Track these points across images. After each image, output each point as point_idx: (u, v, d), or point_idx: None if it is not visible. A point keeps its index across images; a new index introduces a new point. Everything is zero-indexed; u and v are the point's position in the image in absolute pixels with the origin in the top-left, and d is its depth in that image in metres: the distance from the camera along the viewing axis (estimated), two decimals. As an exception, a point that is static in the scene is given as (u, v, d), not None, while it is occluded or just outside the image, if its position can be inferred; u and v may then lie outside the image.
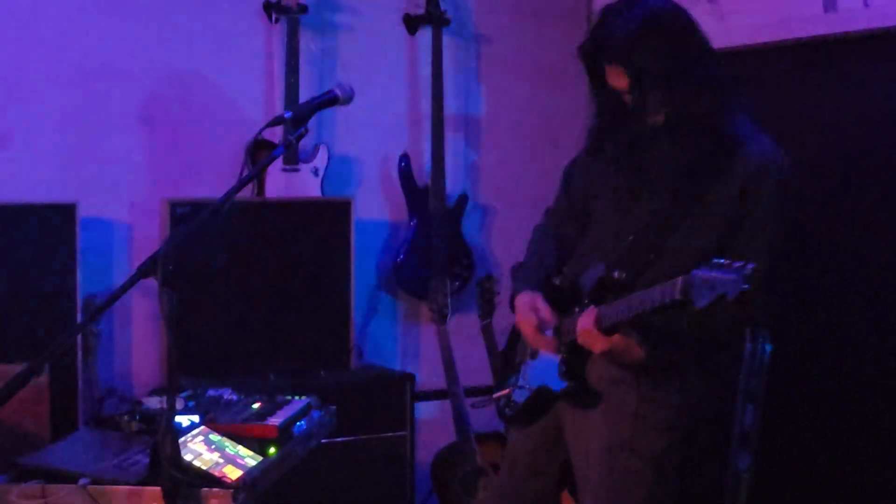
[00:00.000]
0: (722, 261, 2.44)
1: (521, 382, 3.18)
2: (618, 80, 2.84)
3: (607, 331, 2.78)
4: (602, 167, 3.05)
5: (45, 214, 4.22)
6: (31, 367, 2.35)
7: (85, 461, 2.80)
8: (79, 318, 4.24)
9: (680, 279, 2.50)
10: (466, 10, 5.33)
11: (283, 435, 3.02)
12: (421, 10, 5.07)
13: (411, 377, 4.67)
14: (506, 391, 3.22)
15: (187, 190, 4.65)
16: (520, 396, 3.16)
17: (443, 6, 5.07)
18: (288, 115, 2.74)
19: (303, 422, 3.17)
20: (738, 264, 2.40)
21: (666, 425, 2.96)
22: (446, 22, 5.10)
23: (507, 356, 3.33)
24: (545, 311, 2.99)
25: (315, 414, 3.29)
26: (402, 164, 5.03)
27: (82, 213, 4.27)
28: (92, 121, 4.58)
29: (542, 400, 3.10)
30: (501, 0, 5.37)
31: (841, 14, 4.15)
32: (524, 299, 3.05)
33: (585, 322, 2.81)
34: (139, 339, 4.66)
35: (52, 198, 4.30)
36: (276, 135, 4.68)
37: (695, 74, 2.80)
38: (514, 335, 3.30)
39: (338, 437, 4.17)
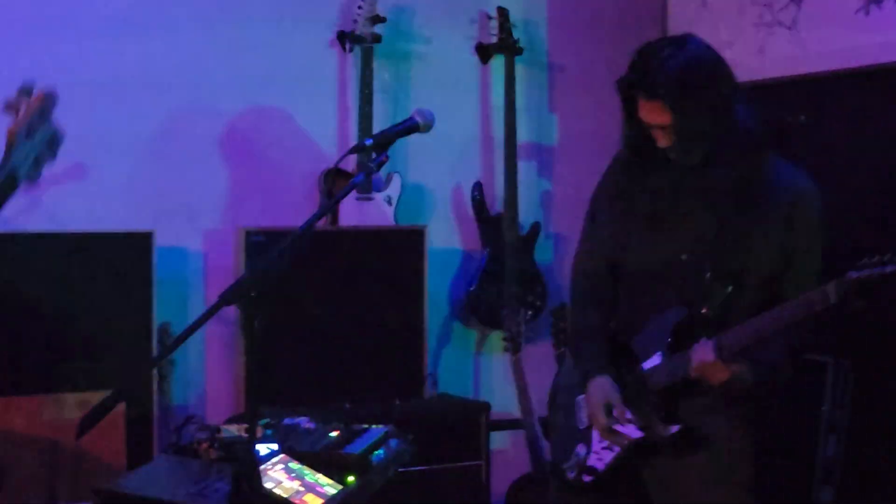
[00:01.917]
0: (866, 259, 2.58)
1: (595, 447, 3.11)
2: (656, 116, 2.85)
3: (727, 360, 2.82)
4: (629, 204, 3.07)
5: (121, 243, 4.26)
6: (116, 395, 2.35)
7: (165, 488, 2.79)
8: (154, 346, 4.26)
9: (832, 284, 2.61)
10: (539, 39, 5.32)
11: (362, 463, 3.00)
12: (494, 39, 5.08)
13: (486, 406, 4.64)
14: (574, 461, 3.16)
15: (262, 218, 4.67)
16: (603, 458, 3.09)
17: (515, 35, 5.08)
18: (369, 142, 2.73)
19: (381, 450, 3.14)
20: (885, 258, 2.55)
21: (750, 450, 3.02)
22: (519, 51, 5.10)
23: (554, 421, 3.31)
24: (619, 408, 2.99)
25: (393, 443, 3.26)
26: (475, 192, 5.02)
27: (158, 241, 4.31)
28: (168, 150, 4.62)
29: (633, 456, 3.04)
30: (574, 29, 5.36)
31: (922, 39, 4.09)
32: (596, 389, 3.05)
33: (705, 355, 2.83)
34: (213, 367, 4.68)
35: (129, 227, 4.34)
36: (349, 163, 4.71)
37: (733, 120, 2.87)
38: (563, 405, 3.28)
39: (414, 466, 4.15)
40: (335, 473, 2.90)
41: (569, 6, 5.36)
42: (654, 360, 2.99)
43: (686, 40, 2.89)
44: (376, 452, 3.13)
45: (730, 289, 2.90)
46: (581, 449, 3.15)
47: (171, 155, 4.63)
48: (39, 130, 2.33)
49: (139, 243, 4.26)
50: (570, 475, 3.16)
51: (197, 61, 4.67)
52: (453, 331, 5.16)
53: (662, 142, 2.90)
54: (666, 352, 2.97)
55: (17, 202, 4.27)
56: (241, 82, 4.74)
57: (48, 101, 2.36)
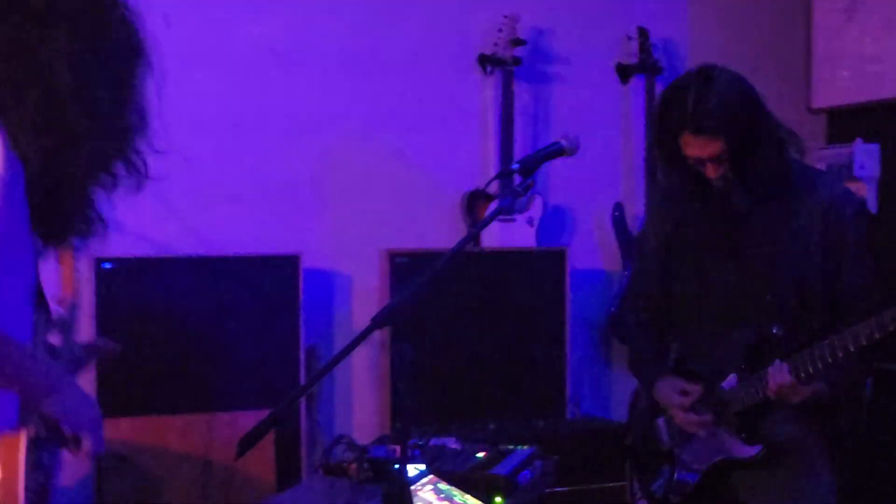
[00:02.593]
0: None
1: (682, 466, 3.17)
2: (706, 148, 2.89)
3: (804, 382, 2.86)
4: (679, 233, 3.16)
5: (270, 266, 4.37)
6: (274, 417, 2.41)
7: (317, 507, 2.85)
8: (302, 367, 4.35)
9: None
10: (679, 59, 5.29)
11: (509, 484, 3.02)
12: (634, 60, 5.07)
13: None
14: (661, 481, 3.23)
15: (405, 240, 4.73)
16: (690, 478, 3.15)
17: (655, 55, 5.06)
18: (515, 166, 2.76)
19: (527, 471, 3.16)
20: None
21: (829, 459, 3.09)
22: (659, 70, 5.09)
23: (640, 451, 3.34)
24: (694, 388, 3.09)
25: (538, 463, 3.27)
26: (616, 213, 5.01)
27: (305, 264, 4.39)
28: (314, 174, 4.71)
29: (719, 473, 3.10)
30: (716, 48, 5.29)
31: None
32: (665, 387, 3.16)
33: (781, 378, 2.87)
34: (359, 387, 4.75)
35: (278, 250, 4.44)
36: (491, 185, 4.75)
37: (770, 136, 2.96)
38: (640, 429, 3.34)
39: (559, 487, 4.16)
40: (483, 494, 2.92)
41: (710, 25, 5.33)
42: (730, 382, 3.05)
43: (711, 69, 2.98)
44: (523, 473, 3.15)
45: (799, 311, 2.99)
46: (666, 469, 3.21)
47: (317, 178, 4.72)
48: None
49: (287, 266, 4.36)
50: (658, 494, 3.22)
51: (343, 85, 4.75)
52: (595, 351, 5.15)
53: (713, 173, 2.95)
54: (741, 373, 3.03)
55: (170, 227, 4.45)
56: (384, 106, 4.81)
57: None
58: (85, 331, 4.14)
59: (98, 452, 1.90)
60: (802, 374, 2.84)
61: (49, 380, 1.85)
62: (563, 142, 2.83)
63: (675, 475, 3.17)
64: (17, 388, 1.83)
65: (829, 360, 2.78)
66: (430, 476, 2.93)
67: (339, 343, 4.62)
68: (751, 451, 3.01)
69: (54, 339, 2.38)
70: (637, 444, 3.37)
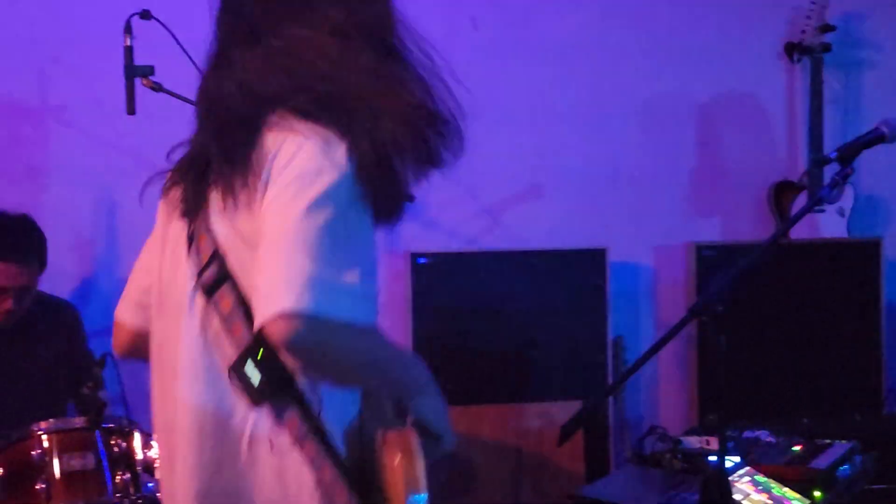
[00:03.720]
0: None
1: None
2: None
3: None
4: None
5: (578, 259, 4.43)
6: (593, 406, 2.47)
7: (634, 496, 2.90)
8: (609, 358, 4.39)
9: None
10: None
11: (828, 479, 2.98)
12: (951, 41, 4.87)
13: (953, 424, 4.44)
14: None
15: (709, 233, 4.70)
16: None
17: (975, 34, 4.85)
18: (833, 155, 2.72)
19: (846, 466, 3.11)
20: None
21: None
22: (979, 51, 4.86)
23: None
24: None
25: (858, 459, 3.21)
26: (934, 201, 4.83)
27: (612, 257, 4.43)
28: (618, 166, 4.74)
29: None
30: None
31: None
32: None
33: None
34: (664, 378, 4.75)
35: (585, 244, 4.49)
36: (796, 174, 4.67)
37: None
38: None
39: (879, 484, 4.04)
40: (801, 488, 2.90)
41: None
42: None
43: None
44: (842, 468, 3.09)
45: None
46: None
47: (621, 171, 4.74)
48: None
49: (594, 259, 4.42)
50: None
51: (646, 76, 4.76)
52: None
53: None
54: None
55: (481, 223, 4.58)
56: (690, 96, 4.79)
57: None
58: (401, 322, 4.33)
59: (450, 451, 1.97)
60: None
61: (420, 381, 1.93)
62: (884, 128, 2.75)
63: None
64: (392, 389, 1.92)
65: None
66: (748, 468, 2.93)
67: (644, 335, 4.64)
68: None
69: None
70: None
